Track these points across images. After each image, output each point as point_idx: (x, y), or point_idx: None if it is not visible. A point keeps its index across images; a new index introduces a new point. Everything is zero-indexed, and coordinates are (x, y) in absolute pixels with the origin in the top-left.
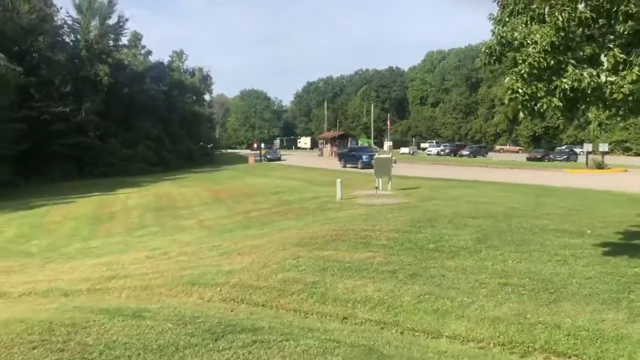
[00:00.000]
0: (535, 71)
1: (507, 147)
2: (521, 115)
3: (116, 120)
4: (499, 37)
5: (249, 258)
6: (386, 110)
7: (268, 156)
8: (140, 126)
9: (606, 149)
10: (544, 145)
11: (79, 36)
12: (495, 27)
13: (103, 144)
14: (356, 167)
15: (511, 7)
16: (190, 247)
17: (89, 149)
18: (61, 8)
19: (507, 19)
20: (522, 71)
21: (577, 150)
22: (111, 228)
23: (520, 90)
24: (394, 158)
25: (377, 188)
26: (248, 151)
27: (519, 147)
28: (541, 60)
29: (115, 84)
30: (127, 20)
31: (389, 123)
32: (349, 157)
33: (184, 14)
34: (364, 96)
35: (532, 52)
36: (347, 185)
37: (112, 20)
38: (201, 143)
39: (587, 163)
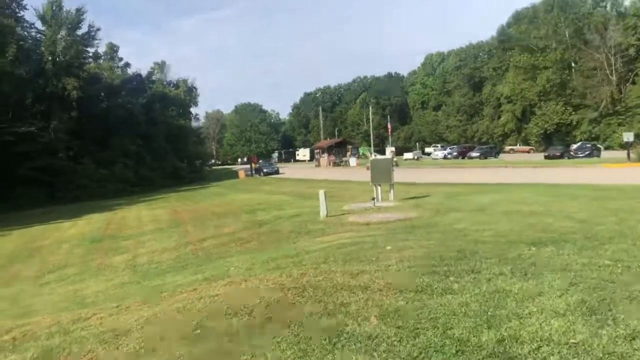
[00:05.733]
0: None
1: (517, 147)
2: None
3: (91, 139)
4: None
5: None
6: (386, 116)
7: (265, 170)
8: (117, 144)
9: None
10: (557, 142)
11: (43, 48)
12: None
13: (75, 165)
14: None
15: None
16: (56, 315)
17: (60, 171)
18: (33, 24)
19: None
20: None
21: (599, 145)
22: (21, 271)
23: None
24: (394, 160)
25: (374, 199)
26: (245, 166)
27: (529, 147)
28: None
29: (88, 98)
30: (98, 29)
31: (389, 128)
32: None
33: (177, 36)
34: (363, 103)
35: None
36: (341, 197)
37: (81, 31)
38: (195, 160)
39: (628, 156)
